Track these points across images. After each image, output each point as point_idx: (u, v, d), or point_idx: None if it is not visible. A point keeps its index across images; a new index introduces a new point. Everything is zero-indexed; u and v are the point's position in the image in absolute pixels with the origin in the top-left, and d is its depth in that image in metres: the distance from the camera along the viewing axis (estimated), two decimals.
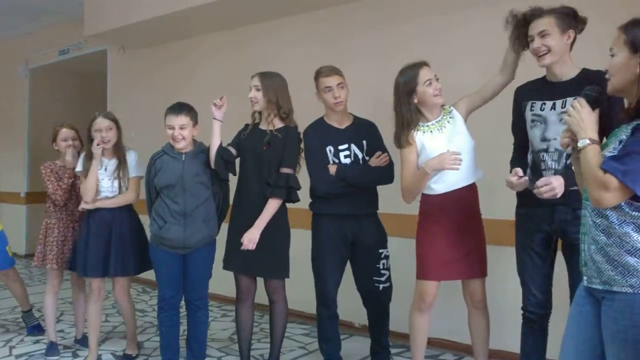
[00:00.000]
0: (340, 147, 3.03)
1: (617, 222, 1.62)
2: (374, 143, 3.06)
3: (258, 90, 3.00)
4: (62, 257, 3.53)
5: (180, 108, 3.04)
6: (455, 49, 3.66)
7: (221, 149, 3.05)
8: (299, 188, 3.05)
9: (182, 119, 3.01)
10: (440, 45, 3.73)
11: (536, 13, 2.37)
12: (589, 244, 1.71)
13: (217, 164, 3.04)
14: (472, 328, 2.86)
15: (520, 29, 2.44)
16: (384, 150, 3.05)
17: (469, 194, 2.74)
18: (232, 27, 4.96)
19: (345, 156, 3.03)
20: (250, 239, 2.94)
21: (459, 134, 2.71)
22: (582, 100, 1.73)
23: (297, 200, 3.06)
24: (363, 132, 3.07)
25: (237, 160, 3.17)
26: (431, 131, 2.71)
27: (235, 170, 3.17)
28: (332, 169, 2.99)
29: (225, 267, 3.14)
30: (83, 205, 3.30)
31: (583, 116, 1.69)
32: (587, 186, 1.64)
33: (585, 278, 1.75)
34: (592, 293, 1.73)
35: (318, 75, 3.05)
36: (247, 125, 3.17)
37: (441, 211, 2.70)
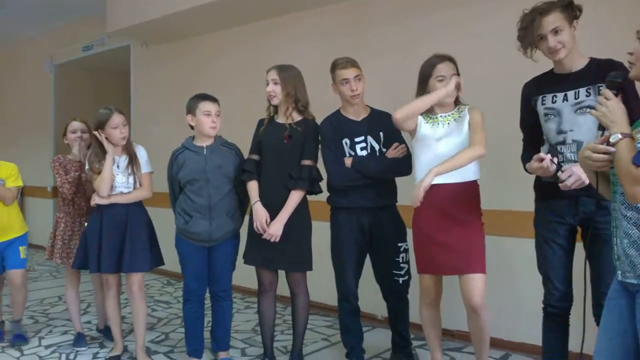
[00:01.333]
0: (357, 140, 3.01)
1: None
2: (391, 134, 3.01)
3: (276, 83, 2.99)
4: (67, 252, 3.51)
5: (213, 97, 3.12)
6: (473, 42, 3.62)
7: (243, 168, 3.11)
8: (321, 179, 3.06)
9: (218, 107, 3.10)
10: (458, 39, 3.70)
11: (544, 10, 2.33)
12: (620, 237, 1.67)
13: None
14: (470, 329, 2.79)
15: (526, 30, 2.39)
16: (402, 141, 3.01)
17: (463, 190, 2.65)
18: (255, 21, 4.97)
19: (362, 148, 3.01)
20: (273, 232, 2.94)
21: (458, 134, 2.66)
22: (608, 91, 1.67)
23: (320, 191, 3.06)
24: (380, 123, 3.03)
25: None
26: (432, 123, 2.72)
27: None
28: (348, 161, 2.98)
29: (247, 261, 3.14)
30: (97, 201, 3.20)
31: (611, 108, 1.62)
32: (621, 182, 1.58)
33: (619, 272, 1.70)
34: (626, 287, 1.69)
35: (334, 67, 3.02)
36: (262, 121, 3.16)
37: (431, 203, 2.61)
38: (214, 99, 3.10)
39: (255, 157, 3.11)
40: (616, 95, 1.67)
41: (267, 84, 3.03)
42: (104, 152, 3.20)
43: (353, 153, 3.01)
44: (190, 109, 3.09)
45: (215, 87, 5.17)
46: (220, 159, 3.10)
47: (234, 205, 3.15)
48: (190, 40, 5.62)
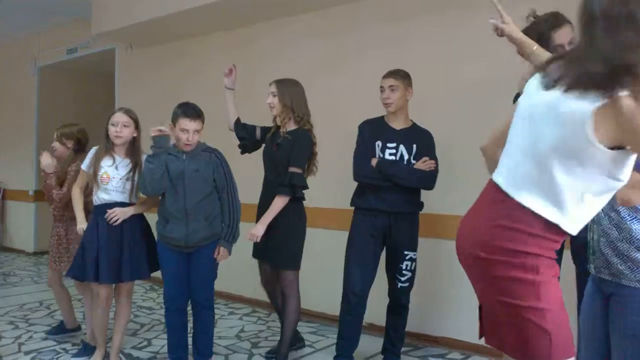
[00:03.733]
0: (389, 145, 3.11)
1: (628, 218, 1.63)
2: (424, 149, 3.12)
3: (274, 96, 3.19)
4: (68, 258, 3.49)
5: (196, 113, 3.03)
6: (465, 45, 3.65)
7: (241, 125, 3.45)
8: (302, 186, 3.14)
9: (198, 124, 3.03)
10: (450, 43, 3.72)
11: (565, 19, 2.30)
12: (598, 234, 1.72)
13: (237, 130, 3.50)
14: None
15: (541, 32, 2.29)
16: (434, 158, 3.12)
17: None
18: (240, 25, 4.97)
19: (391, 154, 3.11)
20: (253, 233, 3.10)
21: None
22: None
23: (300, 196, 3.16)
24: (415, 136, 3.15)
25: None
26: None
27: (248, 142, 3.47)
28: (374, 161, 3.08)
29: (253, 254, 3.36)
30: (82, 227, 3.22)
31: None
32: None
33: (592, 267, 1.76)
34: (600, 287, 1.73)
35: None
36: (270, 128, 3.38)
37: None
38: (195, 116, 3.02)
39: (256, 129, 3.46)
40: None
41: (268, 96, 3.22)
42: (107, 151, 3.18)
43: (382, 155, 3.10)
44: (173, 119, 3.07)
45: (201, 91, 5.15)
46: (198, 164, 3.05)
47: (214, 210, 3.10)
48: (176, 44, 5.60)
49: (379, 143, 3.12)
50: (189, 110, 3.03)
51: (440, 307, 3.72)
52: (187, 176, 3.02)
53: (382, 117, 3.23)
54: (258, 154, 3.44)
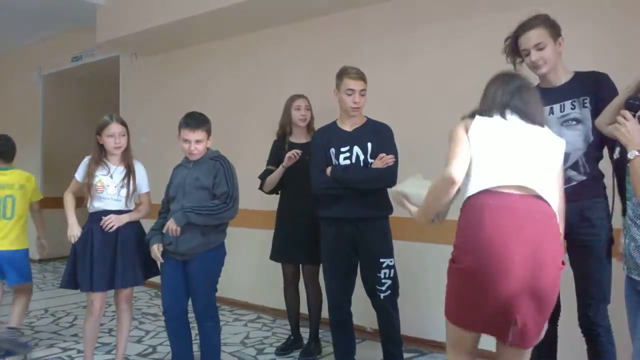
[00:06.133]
0: (342, 149, 3.01)
1: None
2: (381, 145, 2.98)
3: (308, 109, 3.60)
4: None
5: (197, 123, 3.00)
6: (469, 53, 3.65)
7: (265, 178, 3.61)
8: None
9: (199, 134, 2.99)
10: (454, 50, 3.73)
11: (527, 26, 2.37)
12: (629, 239, 1.89)
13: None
14: None
15: (510, 45, 2.46)
16: (392, 152, 2.97)
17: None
18: (244, 33, 4.99)
19: (345, 158, 3.00)
20: None
21: None
22: (627, 113, 1.85)
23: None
24: (369, 134, 3.02)
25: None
26: None
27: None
28: (329, 170, 3.00)
29: (272, 257, 3.67)
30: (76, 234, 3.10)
31: (629, 128, 1.81)
32: (637, 193, 1.77)
33: (625, 267, 1.93)
34: (633, 285, 1.91)
35: (343, 74, 3.04)
36: (275, 142, 3.66)
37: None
38: (195, 126, 2.99)
39: (273, 168, 3.61)
40: (634, 116, 1.84)
41: (298, 109, 3.56)
42: (100, 160, 3.17)
43: (337, 162, 3.01)
44: (178, 128, 3.06)
45: (205, 99, 5.18)
46: (201, 172, 3.03)
47: None
48: (180, 52, 5.62)
49: (332, 150, 3.02)
50: (190, 121, 3.01)
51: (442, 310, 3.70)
52: (187, 184, 3.02)
53: (335, 121, 3.14)
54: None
